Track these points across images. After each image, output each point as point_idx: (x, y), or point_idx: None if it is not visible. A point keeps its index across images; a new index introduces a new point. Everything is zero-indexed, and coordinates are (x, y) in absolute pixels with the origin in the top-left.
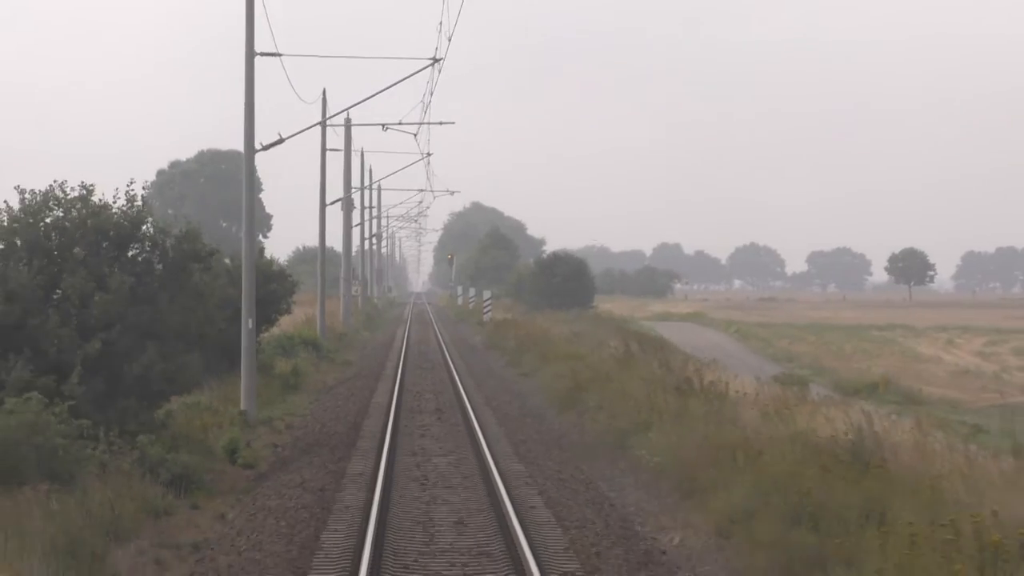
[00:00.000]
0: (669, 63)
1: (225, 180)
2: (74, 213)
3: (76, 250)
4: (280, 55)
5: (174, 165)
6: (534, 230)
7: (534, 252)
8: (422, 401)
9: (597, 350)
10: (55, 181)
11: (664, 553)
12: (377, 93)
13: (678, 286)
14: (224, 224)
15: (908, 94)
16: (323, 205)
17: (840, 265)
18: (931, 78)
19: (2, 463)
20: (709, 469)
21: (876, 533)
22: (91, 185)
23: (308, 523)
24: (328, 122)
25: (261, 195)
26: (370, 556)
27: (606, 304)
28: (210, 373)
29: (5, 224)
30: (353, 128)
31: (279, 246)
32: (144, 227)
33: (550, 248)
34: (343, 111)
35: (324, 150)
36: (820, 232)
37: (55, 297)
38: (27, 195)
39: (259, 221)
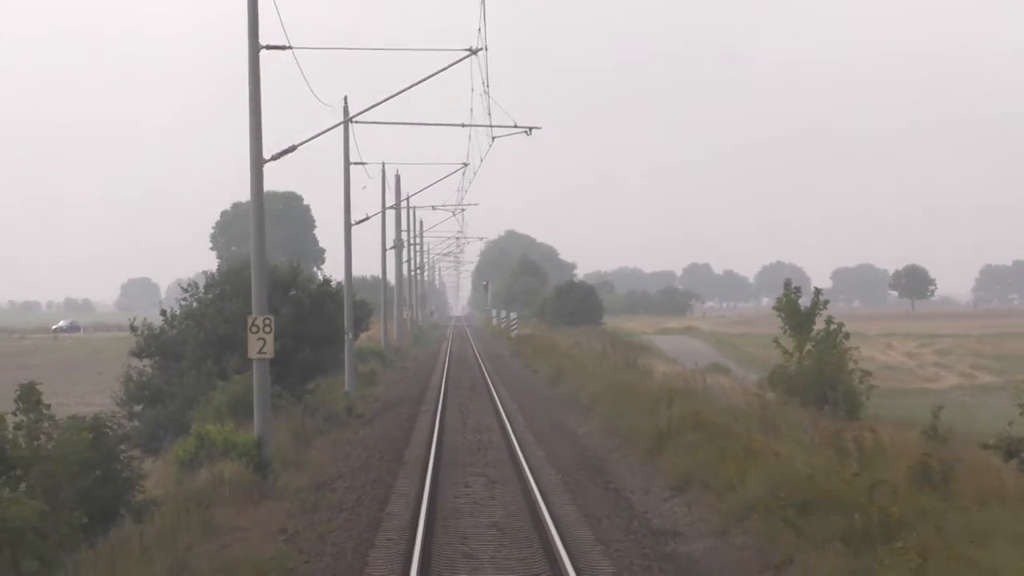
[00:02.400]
0: (700, 85)
1: (280, 219)
2: None
3: None
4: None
5: (236, 206)
6: (567, 254)
7: (566, 276)
8: (461, 385)
9: (585, 352)
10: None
11: (576, 434)
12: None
13: (702, 304)
14: (282, 258)
15: (928, 111)
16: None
17: (863, 281)
18: (953, 94)
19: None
20: (605, 401)
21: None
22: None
23: (403, 430)
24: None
25: (315, 231)
26: (437, 436)
27: (629, 322)
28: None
29: (218, 279)
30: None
31: (333, 274)
32: (298, 278)
33: (582, 271)
34: (395, 184)
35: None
36: (844, 249)
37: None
38: (227, 262)
39: (313, 254)
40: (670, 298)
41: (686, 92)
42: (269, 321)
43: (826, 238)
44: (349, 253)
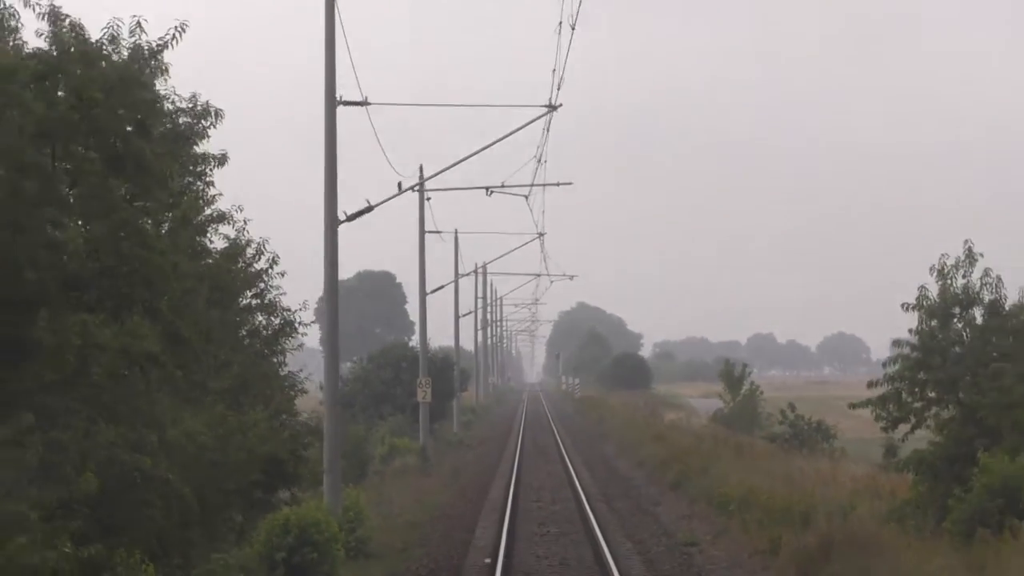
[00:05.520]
0: (768, 164)
1: (378, 295)
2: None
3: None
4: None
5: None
6: (637, 324)
7: (632, 345)
8: (533, 428)
9: (626, 407)
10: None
11: (601, 449)
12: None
13: (754, 372)
14: (378, 331)
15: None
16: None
17: None
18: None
19: None
20: (623, 431)
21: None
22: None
23: (497, 451)
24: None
25: (406, 305)
26: (519, 452)
27: (683, 388)
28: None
29: (376, 357)
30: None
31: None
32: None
33: (650, 340)
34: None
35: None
36: (904, 318)
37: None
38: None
39: (405, 327)
40: (727, 367)
41: (756, 166)
42: (429, 380)
43: (887, 308)
44: (424, 319)
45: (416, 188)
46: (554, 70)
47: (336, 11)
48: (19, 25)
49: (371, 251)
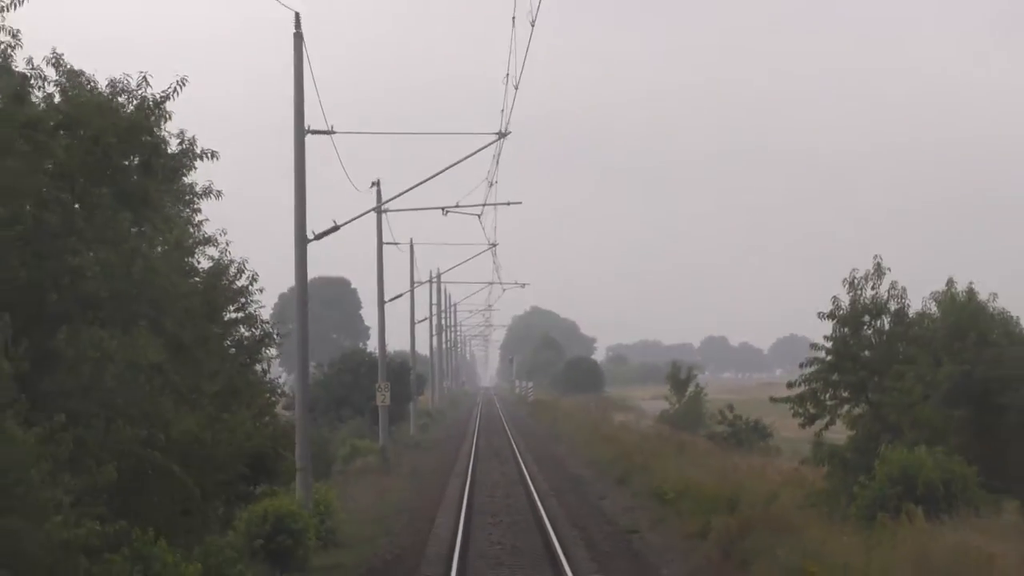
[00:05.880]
0: (725, 164)
1: (334, 301)
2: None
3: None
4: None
5: (292, 290)
6: (590, 328)
7: (586, 349)
8: (488, 431)
9: (579, 410)
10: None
11: (552, 449)
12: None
13: (704, 374)
14: (334, 335)
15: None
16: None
17: None
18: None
19: None
20: (574, 433)
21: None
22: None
23: (454, 451)
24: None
25: (361, 311)
26: (474, 452)
27: (636, 391)
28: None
29: (336, 363)
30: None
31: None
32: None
33: (604, 343)
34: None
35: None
36: None
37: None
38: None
39: (360, 332)
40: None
41: (709, 167)
42: (388, 384)
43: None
44: (382, 328)
45: (375, 210)
46: (502, 109)
47: (304, 50)
48: (44, 84)
49: (326, 257)
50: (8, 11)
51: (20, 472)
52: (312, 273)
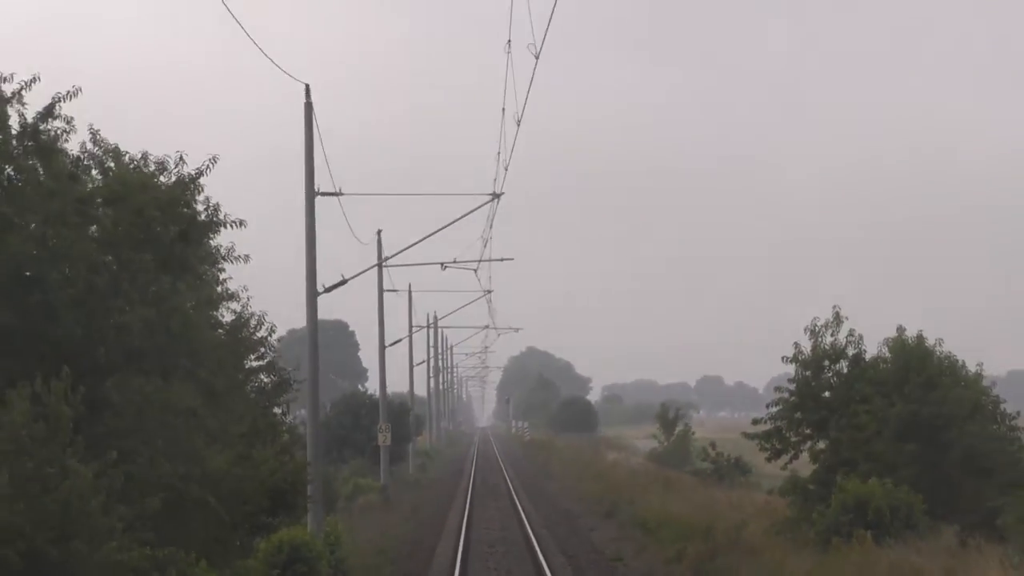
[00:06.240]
0: (710, 198)
1: (332, 343)
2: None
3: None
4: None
5: (291, 332)
6: (585, 368)
7: (581, 389)
8: (484, 469)
9: (572, 449)
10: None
11: (545, 485)
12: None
13: (698, 413)
14: (332, 376)
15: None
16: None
17: None
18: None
19: None
20: (566, 470)
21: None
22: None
23: (452, 488)
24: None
25: (359, 353)
26: (471, 490)
27: (629, 430)
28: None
29: (338, 405)
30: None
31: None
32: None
33: (600, 383)
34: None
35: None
36: None
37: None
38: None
39: (358, 373)
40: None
41: (704, 206)
42: (389, 425)
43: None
44: (383, 372)
45: (378, 265)
46: (499, 160)
47: (314, 119)
48: (92, 167)
49: (323, 301)
50: (64, 102)
51: (81, 503)
52: None
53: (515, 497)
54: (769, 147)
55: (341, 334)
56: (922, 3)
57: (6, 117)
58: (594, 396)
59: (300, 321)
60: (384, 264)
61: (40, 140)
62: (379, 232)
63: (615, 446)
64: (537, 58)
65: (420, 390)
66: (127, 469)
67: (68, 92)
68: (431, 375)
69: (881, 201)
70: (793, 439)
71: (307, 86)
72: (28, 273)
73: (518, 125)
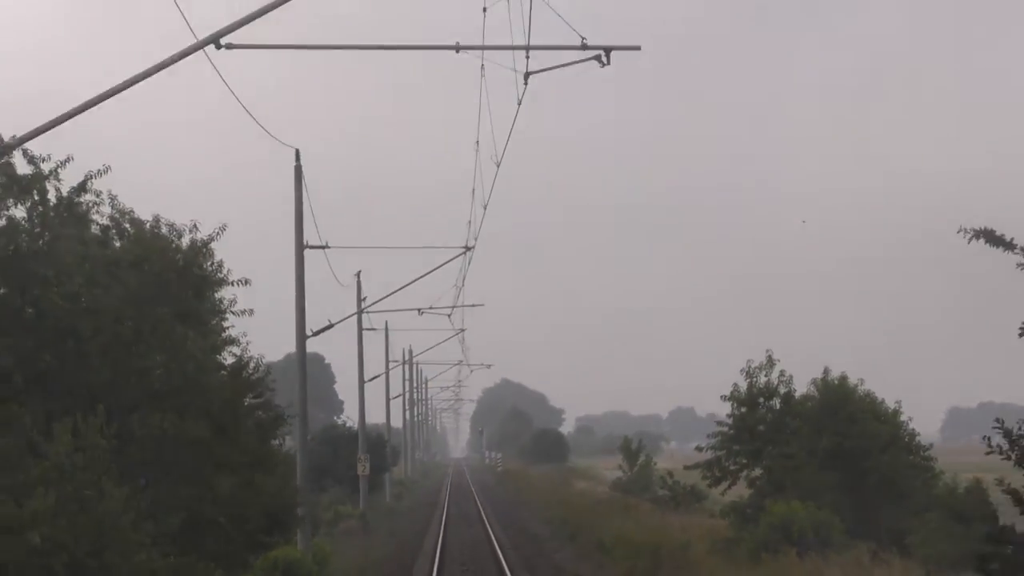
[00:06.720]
0: (679, 227)
1: (308, 377)
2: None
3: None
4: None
5: (275, 365)
6: (559, 399)
7: (554, 420)
8: (458, 498)
9: (542, 479)
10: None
11: (519, 514)
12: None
13: (668, 444)
14: (309, 409)
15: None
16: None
17: None
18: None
19: None
20: (537, 498)
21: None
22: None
23: (426, 517)
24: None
25: (335, 385)
26: (445, 515)
27: (600, 461)
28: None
29: (319, 436)
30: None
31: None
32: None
33: (573, 414)
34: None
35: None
36: None
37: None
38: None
39: (334, 405)
40: (625, 441)
41: (677, 238)
42: (368, 456)
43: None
44: (362, 406)
45: (358, 312)
46: (470, 221)
47: (302, 180)
48: (111, 227)
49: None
50: (95, 179)
51: (115, 520)
52: (288, 348)
53: (487, 523)
54: (735, 185)
55: (317, 367)
56: None
57: (45, 192)
58: (567, 427)
59: (281, 349)
60: (364, 310)
61: (75, 211)
62: (358, 274)
63: (584, 476)
64: (498, 166)
65: (396, 421)
66: (152, 492)
67: (99, 170)
68: (406, 407)
69: (852, 235)
70: (731, 468)
71: (297, 151)
72: (64, 325)
73: (497, 167)
